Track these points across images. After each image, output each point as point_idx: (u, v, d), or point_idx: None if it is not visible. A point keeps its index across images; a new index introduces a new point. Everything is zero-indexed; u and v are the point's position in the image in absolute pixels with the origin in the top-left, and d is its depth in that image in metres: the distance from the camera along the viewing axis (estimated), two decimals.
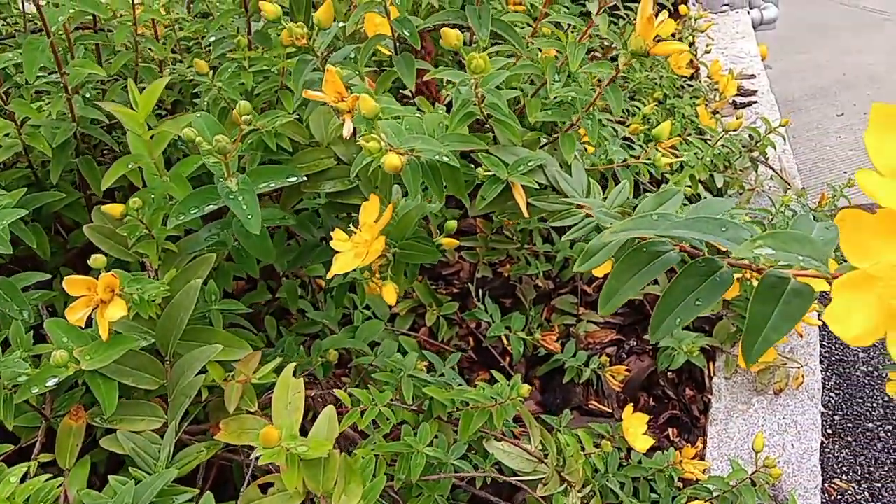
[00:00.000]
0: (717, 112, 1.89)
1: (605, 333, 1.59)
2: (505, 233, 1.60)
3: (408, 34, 0.79)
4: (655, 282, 1.59)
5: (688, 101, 1.76)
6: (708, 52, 2.05)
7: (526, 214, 0.71)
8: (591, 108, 0.78)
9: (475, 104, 0.71)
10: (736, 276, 0.57)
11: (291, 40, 0.83)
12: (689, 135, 1.71)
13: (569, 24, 0.85)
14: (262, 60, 0.95)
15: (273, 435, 0.64)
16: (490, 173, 0.72)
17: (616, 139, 1.42)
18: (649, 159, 0.81)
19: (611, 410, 1.48)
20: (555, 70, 0.80)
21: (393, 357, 1.11)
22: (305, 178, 0.88)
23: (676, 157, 1.54)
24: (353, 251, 0.79)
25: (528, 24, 0.88)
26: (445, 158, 0.68)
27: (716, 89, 1.92)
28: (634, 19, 2.02)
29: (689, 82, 1.99)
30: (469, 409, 1.01)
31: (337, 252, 0.81)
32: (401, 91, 1.03)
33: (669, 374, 1.52)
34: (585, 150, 1.08)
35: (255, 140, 0.93)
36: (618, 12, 2.07)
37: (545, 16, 0.85)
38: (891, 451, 2.04)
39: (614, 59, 1.08)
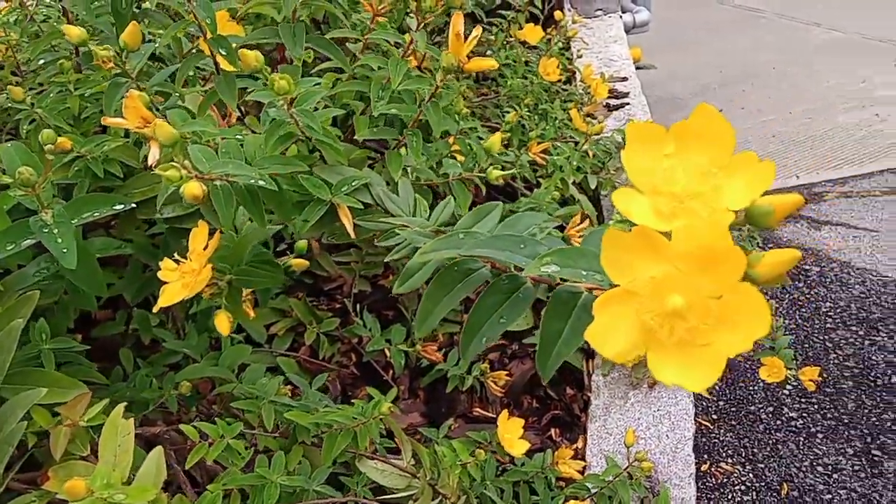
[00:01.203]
0: (592, 115, 1.93)
1: None
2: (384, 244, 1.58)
3: (224, 53, 0.77)
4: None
5: (560, 105, 1.79)
6: (580, 56, 2.10)
7: (353, 235, 0.70)
8: (414, 125, 0.78)
9: (292, 125, 0.69)
10: None
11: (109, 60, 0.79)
12: (565, 139, 1.75)
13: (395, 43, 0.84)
14: (89, 83, 0.90)
15: (79, 487, 0.60)
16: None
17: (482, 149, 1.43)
18: (482, 172, 0.81)
19: (495, 416, 1.48)
20: (380, 87, 0.79)
21: (257, 383, 1.08)
22: (134, 205, 0.84)
23: (545, 162, 1.57)
24: (180, 281, 0.76)
25: (358, 40, 0.87)
26: (262, 182, 0.66)
27: (589, 93, 1.96)
28: (505, 28, 2.05)
29: (564, 87, 2.03)
30: (333, 430, 0.99)
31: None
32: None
33: None
34: (441, 162, 1.08)
35: (82, 167, 0.88)
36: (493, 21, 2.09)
37: (371, 31, 0.84)
38: (772, 431, 2.14)
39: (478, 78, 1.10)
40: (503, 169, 0.81)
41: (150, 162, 0.66)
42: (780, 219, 0.43)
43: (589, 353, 1.56)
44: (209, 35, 0.75)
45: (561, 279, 0.53)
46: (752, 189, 0.41)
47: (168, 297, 0.76)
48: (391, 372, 1.52)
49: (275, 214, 0.71)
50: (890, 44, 4.37)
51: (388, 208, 0.70)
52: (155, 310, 0.76)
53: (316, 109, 0.69)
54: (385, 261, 0.65)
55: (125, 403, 0.76)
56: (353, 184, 0.70)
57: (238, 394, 1.11)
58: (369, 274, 1.55)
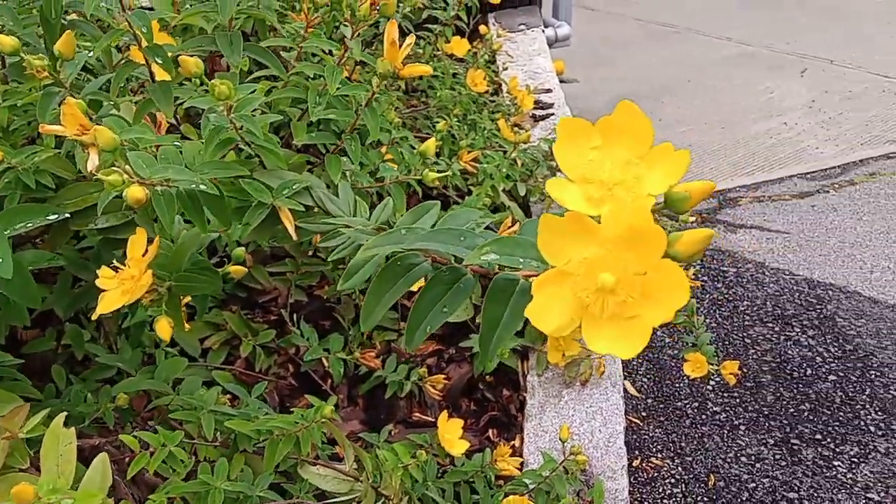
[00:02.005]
0: (519, 125, 1.99)
1: (425, 346, 1.62)
2: (318, 254, 1.59)
3: (160, 62, 0.77)
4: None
5: (488, 115, 1.84)
6: (506, 68, 2.16)
7: (294, 237, 0.72)
8: (352, 131, 0.80)
9: (232, 130, 0.71)
10: None
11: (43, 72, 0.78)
12: (494, 148, 1.80)
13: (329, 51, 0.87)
14: (17, 94, 0.89)
15: (27, 492, 0.59)
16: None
17: (416, 156, 1.47)
18: (419, 176, 0.84)
19: (434, 420, 1.51)
20: (317, 93, 0.81)
21: (195, 394, 1.08)
22: (69, 216, 0.83)
23: (475, 171, 1.61)
24: (119, 288, 0.76)
25: (292, 48, 0.89)
26: (203, 187, 0.67)
27: (516, 104, 2.02)
28: (433, 41, 2.10)
29: (491, 98, 2.09)
30: (274, 437, 1.00)
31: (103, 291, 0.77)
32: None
33: (487, 377, 1.57)
34: (377, 168, 1.11)
35: (12, 179, 0.87)
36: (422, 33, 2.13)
37: (304, 39, 0.86)
38: (698, 425, 2.23)
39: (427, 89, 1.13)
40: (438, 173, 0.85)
41: (89, 168, 0.66)
42: (696, 203, 0.47)
43: (523, 355, 1.60)
44: (145, 44, 0.76)
45: (499, 267, 0.56)
46: (670, 176, 0.45)
47: (107, 303, 0.75)
48: (329, 381, 1.53)
49: (213, 221, 0.72)
50: (795, 56, 4.63)
51: (329, 210, 0.72)
52: (94, 317, 0.75)
53: (254, 115, 0.70)
54: (329, 259, 0.67)
55: (65, 413, 0.76)
56: (294, 187, 0.71)
57: (175, 406, 1.10)
58: (305, 284, 1.56)
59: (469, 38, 2.10)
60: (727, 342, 2.55)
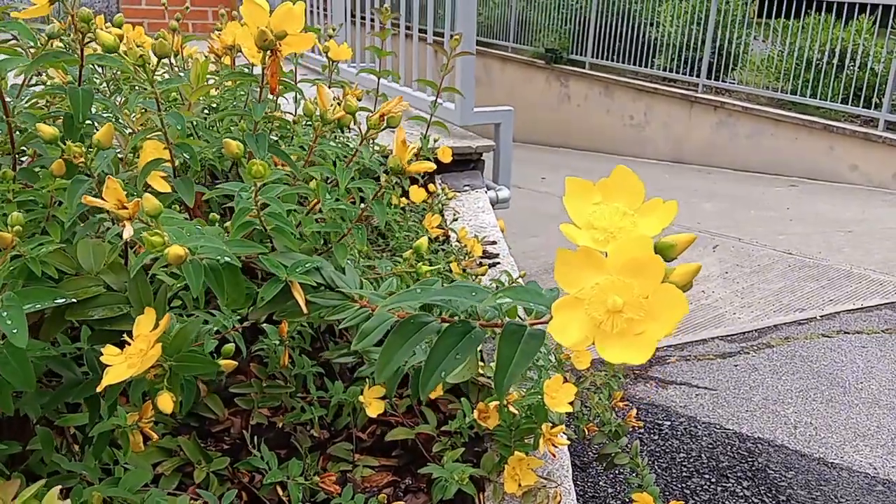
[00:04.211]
0: (467, 269, 2.12)
1: (381, 476, 1.61)
2: (278, 381, 1.61)
3: (188, 157, 0.86)
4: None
5: (441, 257, 1.97)
6: (455, 219, 2.33)
7: (305, 311, 0.77)
8: (359, 221, 0.89)
9: (254, 214, 0.78)
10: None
11: (63, 166, 0.85)
12: None
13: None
14: (27, 192, 0.95)
15: None
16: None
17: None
18: (413, 269, 0.93)
19: None
20: (326, 189, 0.90)
21: None
22: (75, 301, 0.87)
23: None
24: (125, 362, 0.79)
25: (301, 157, 0.99)
26: (227, 258, 0.73)
27: (465, 252, 2.16)
28: (390, 190, 2.26)
29: (442, 247, 2.23)
30: None
31: (108, 367, 0.80)
32: None
33: None
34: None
35: (17, 267, 0.91)
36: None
37: (313, 149, 0.97)
38: None
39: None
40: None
41: (125, 237, 0.72)
42: (681, 251, 0.57)
43: (480, 486, 1.61)
44: (174, 141, 0.85)
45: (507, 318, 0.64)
46: (662, 221, 0.55)
47: (114, 375, 0.78)
48: None
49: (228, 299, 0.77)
50: (706, 234, 5.06)
51: (338, 286, 0.79)
52: (99, 388, 0.77)
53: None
54: (340, 326, 0.73)
55: (59, 487, 0.75)
56: (307, 265, 0.78)
57: None
58: (267, 407, 1.56)
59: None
60: (667, 493, 2.59)
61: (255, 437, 1.49)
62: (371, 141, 0.93)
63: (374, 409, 1.51)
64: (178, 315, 1.09)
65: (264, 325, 1.57)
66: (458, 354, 0.64)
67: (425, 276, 0.95)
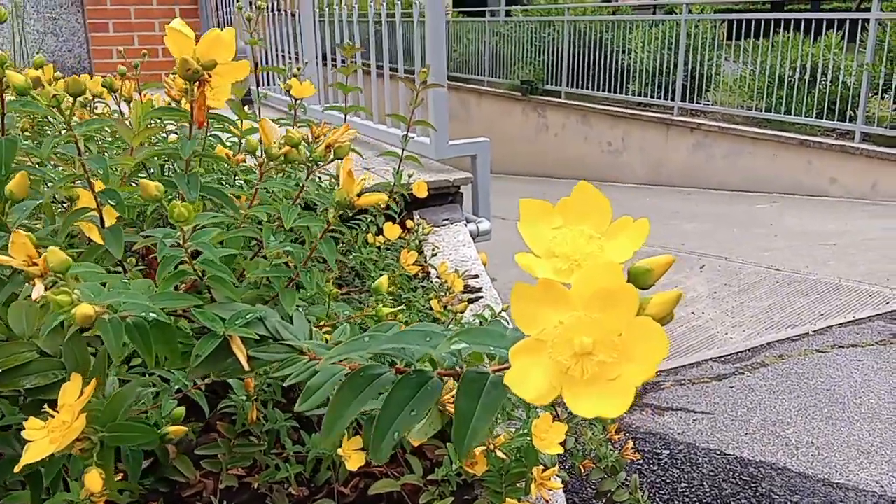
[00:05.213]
0: (448, 306, 2.04)
1: None
2: (250, 437, 1.51)
3: (114, 204, 0.78)
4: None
5: (421, 294, 1.89)
6: (435, 254, 2.25)
7: (247, 367, 0.69)
8: (308, 263, 0.81)
9: (186, 261, 0.70)
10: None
11: None
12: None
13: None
14: None
15: None
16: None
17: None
18: (373, 312, 0.85)
19: None
20: (271, 230, 0.83)
21: None
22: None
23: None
24: (48, 437, 0.70)
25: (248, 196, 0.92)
26: (153, 315, 0.65)
27: (446, 287, 2.08)
28: (363, 230, 2.18)
29: (421, 283, 2.15)
30: None
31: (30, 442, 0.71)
32: None
33: None
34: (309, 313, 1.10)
35: None
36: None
37: (257, 187, 0.90)
38: None
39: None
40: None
41: (34, 297, 0.63)
42: (658, 276, 0.50)
43: None
44: (98, 188, 0.77)
45: (466, 365, 0.56)
46: (633, 242, 0.48)
47: (35, 452, 0.69)
48: None
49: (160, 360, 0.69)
50: (692, 255, 5.01)
51: (284, 338, 0.71)
52: (17, 469, 0.68)
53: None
54: (286, 384, 0.65)
55: None
56: (248, 317, 0.70)
57: None
58: (238, 467, 1.46)
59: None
60: None
61: (226, 502, 1.39)
62: (318, 176, 0.85)
63: (353, 462, 1.41)
64: (141, 375, 0.99)
65: (229, 380, 1.48)
66: (414, 410, 0.56)
67: (386, 318, 0.87)
